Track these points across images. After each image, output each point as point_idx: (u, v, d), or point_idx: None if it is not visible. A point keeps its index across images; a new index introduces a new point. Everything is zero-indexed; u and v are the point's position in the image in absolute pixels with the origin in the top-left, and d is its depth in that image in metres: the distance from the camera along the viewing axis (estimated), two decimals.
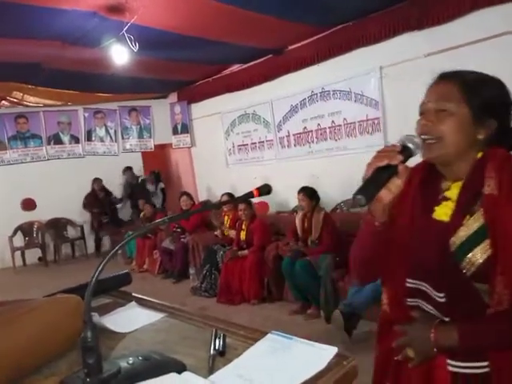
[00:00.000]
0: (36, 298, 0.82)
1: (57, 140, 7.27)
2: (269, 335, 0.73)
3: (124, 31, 3.80)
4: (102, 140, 7.53)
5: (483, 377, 0.85)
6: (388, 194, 0.83)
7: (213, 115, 6.73)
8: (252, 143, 6.24)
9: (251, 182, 5.76)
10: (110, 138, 7.58)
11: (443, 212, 0.92)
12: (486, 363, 0.85)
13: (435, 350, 0.86)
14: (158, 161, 8.22)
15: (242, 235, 4.48)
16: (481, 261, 0.84)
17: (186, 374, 0.61)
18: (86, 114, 7.37)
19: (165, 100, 7.54)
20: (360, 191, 0.78)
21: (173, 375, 0.60)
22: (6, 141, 6.94)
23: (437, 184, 0.96)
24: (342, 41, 4.69)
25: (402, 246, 0.93)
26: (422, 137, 0.89)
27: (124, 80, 5.54)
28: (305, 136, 5.45)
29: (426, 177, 0.97)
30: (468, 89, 0.88)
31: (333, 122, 5.09)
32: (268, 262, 4.15)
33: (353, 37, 4.58)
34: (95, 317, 0.86)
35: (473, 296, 0.86)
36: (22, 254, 6.92)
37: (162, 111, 7.51)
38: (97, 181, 7.15)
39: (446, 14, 3.83)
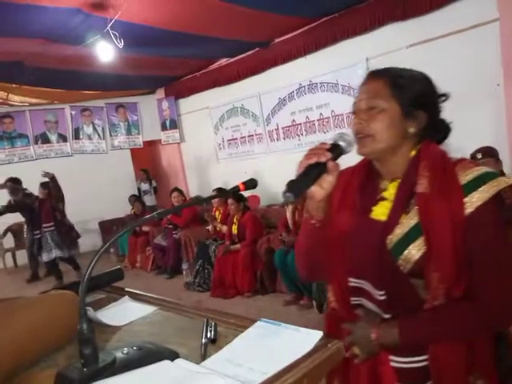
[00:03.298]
0: (31, 296, 0.84)
1: (44, 139, 7.19)
2: (258, 323, 0.77)
3: (108, 28, 3.77)
4: (89, 138, 7.47)
5: (423, 369, 0.90)
6: (319, 190, 0.84)
7: (201, 110, 6.72)
8: (241, 137, 6.25)
9: (242, 176, 5.75)
10: (98, 135, 7.52)
11: (381, 212, 0.95)
12: (425, 357, 0.90)
13: (378, 348, 0.90)
14: (148, 157, 8.20)
15: (234, 229, 4.51)
16: (416, 257, 0.87)
17: (178, 360, 0.64)
18: (73, 112, 7.30)
19: (152, 96, 7.50)
20: (289, 188, 0.79)
21: (166, 362, 0.63)
22: None
23: (375, 184, 0.99)
24: (329, 33, 4.71)
25: (342, 245, 0.95)
26: (357, 136, 0.92)
27: (110, 77, 5.50)
28: (294, 129, 5.48)
29: (365, 177, 1.00)
30: (396, 84, 0.91)
31: (321, 114, 5.12)
32: (260, 254, 4.19)
33: (339, 28, 4.60)
34: (90, 311, 0.88)
35: (410, 292, 0.89)
36: (13, 255, 6.87)
37: (149, 107, 7.47)
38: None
39: (429, 4, 3.87)
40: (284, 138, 5.62)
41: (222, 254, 4.40)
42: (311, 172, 0.82)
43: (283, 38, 5.16)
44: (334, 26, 4.64)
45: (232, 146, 6.45)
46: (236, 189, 0.81)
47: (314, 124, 5.23)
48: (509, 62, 3.50)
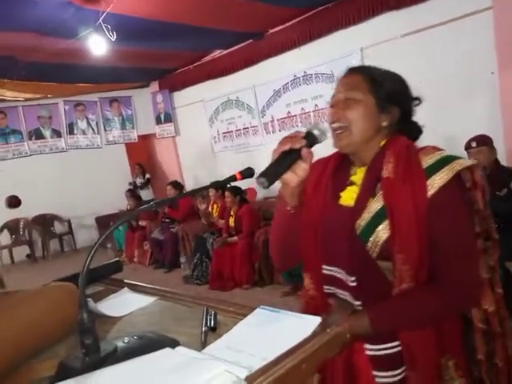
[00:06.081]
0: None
1: (38, 135, 7.14)
2: (257, 310, 0.77)
3: (101, 20, 3.73)
4: (84, 133, 7.43)
5: (397, 355, 0.92)
6: (293, 176, 0.85)
7: (196, 103, 6.69)
8: (237, 130, 6.24)
9: (238, 168, 5.68)
10: (92, 130, 7.47)
11: (349, 196, 0.97)
12: (397, 342, 0.92)
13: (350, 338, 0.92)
14: (143, 152, 8.16)
15: (231, 222, 4.53)
16: (383, 240, 0.89)
17: (179, 348, 0.65)
18: (67, 107, 7.25)
19: (146, 89, 7.46)
20: (263, 174, 0.79)
21: (167, 350, 0.63)
22: None
23: (347, 171, 1.02)
24: (323, 23, 4.69)
25: (314, 233, 0.97)
26: (333, 125, 0.96)
27: (103, 70, 5.45)
28: (289, 121, 5.47)
29: (338, 165, 1.04)
30: (373, 79, 0.96)
31: (316, 105, 5.12)
32: (258, 246, 4.21)
33: (333, 19, 4.58)
34: (90, 303, 0.88)
35: (379, 276, 0.91)
36: (10, 252, 6.86)
37: (143, 101, 7.43)
38: None
39: None
40: (279, 130, 5.61)
41: (218, 246, 4.41)
42: (286, 158, 0.83)
43: (277, 29, 5.13)
44: (327, 16, 4.62)
45: (227, 138, 6.43)
46: (233, 178, 0.81)
47: (310, 115, 5.22)
48: (502, 50, 3.50)
